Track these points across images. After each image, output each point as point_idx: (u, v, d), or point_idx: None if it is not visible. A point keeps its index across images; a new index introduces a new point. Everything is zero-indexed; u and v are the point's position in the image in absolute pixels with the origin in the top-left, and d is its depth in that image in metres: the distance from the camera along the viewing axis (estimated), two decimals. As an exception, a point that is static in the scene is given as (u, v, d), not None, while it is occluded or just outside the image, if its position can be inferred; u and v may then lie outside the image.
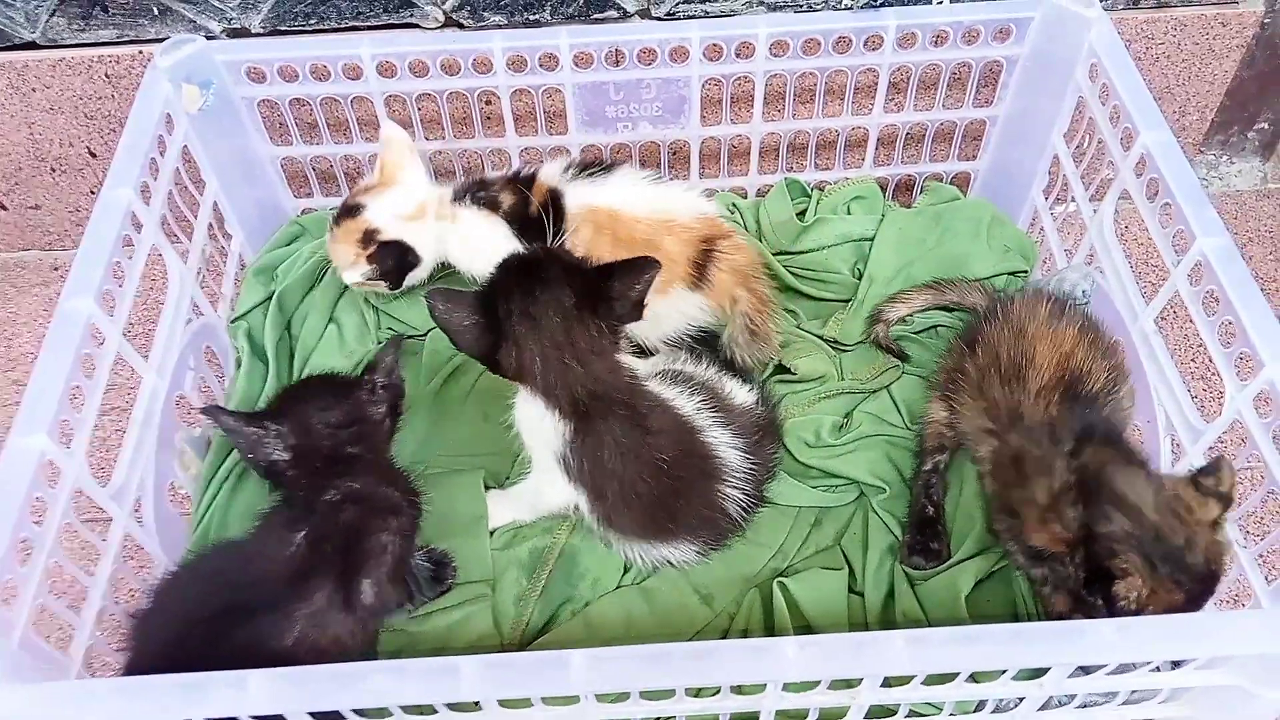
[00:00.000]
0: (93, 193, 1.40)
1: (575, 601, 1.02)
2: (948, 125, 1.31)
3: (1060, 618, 0.95)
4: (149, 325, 1.08)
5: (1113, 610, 0.81)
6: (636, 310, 0.91)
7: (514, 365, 0.88)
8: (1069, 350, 0.99)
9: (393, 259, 1.14)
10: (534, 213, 1.09)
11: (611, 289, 0.89)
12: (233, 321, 1.23)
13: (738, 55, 1.19)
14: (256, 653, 0.82)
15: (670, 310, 1.11)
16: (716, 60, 1.19)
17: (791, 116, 1.27)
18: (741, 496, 1.01)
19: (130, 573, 0.97)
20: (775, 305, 1.17)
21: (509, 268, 0.91)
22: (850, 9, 1.24)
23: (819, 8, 1.25)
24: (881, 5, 1.25)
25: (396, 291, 1.19)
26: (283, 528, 0.88)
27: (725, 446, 1.00)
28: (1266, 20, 1.31)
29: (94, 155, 1.35)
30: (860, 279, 1.26)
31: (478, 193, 1.14)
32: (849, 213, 1.32)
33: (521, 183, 1.12)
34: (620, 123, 1.25)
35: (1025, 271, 1.26)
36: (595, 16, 1.24)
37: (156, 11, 1.21)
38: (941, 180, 1.37)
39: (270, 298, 1.26)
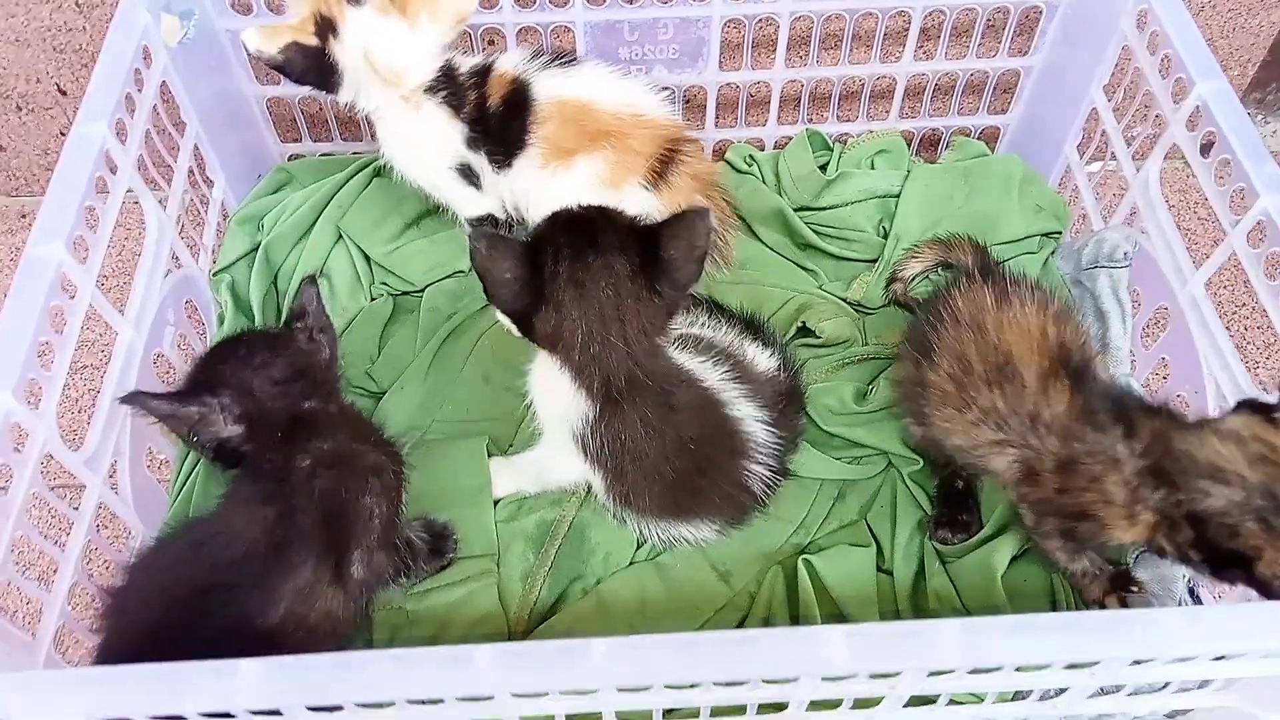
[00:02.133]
0: (63, 134, 1.30)
1: (586, 579, 0.96)
2: (978, 76, 1.23)
3: (1099, 605, 0.91)
4: (124, 277, 1.01)
5: (1268, 593, 0.74)
6: (697, 272, 0.82)
7: (551, 333, 0.80)
8: (1039, 328, 0.89)
9: (303, 70, 0.97)
10: (499, 104, 1.01)
11: (669, 251, 0.80)
12: (215, 274, 1.15)
13: (762, -7, 1.11)
14: (241, 633, 0.76)
15: (623, 207, 1.03)
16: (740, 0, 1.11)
17: (816, 63, 1.19)
18: (766, 472, 0.94)
19: (105, 545, 0.90)
20: (734, 221, 1.12)
21: (560, 223, 0.81)
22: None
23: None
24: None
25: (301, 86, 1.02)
26: (254, 503, 0.80)
27: (751, 420, 0.93)
28: (1315, -31, 1.24)
29: (64, 93, 1.25)
30: (885, 238, 1.19)
31: (447, 90, 1.01)
32: (873, 167, 1.25)
33: (482, 73, 1.02)
34: (633, 65, 1.17)
35: (1059, 232, 1.19)
36: (608, -52, 1.14)
37: (132, -67, 1.11)
38: (969, 135, 1.30)
39: (256, 249, 1.18)
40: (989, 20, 1.16)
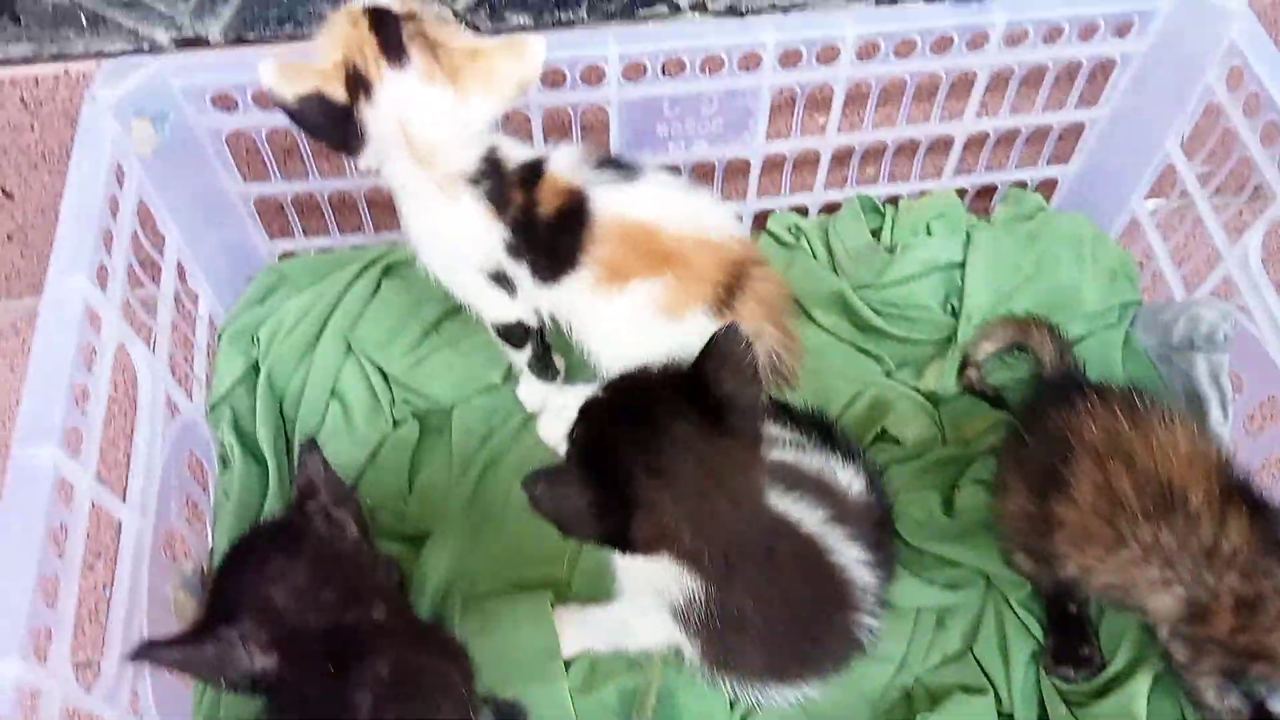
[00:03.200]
0: (10, 239, 1.13)
1: (681, 751, 0.86)
2: (1041, 128, 1.13)
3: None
4: (112, 441, 0.85)
5: None
6: (758, 390, 0.71)
7: (653, 536, 0.69)
8: (1190, 449, 0.81)
9: (320, 125, 0.79)
10: (551, 215, 0.86)
11: (724, 387, 0.69)
12: (212, 407, 1.01)
13: (818, 60, 0.98)
14: None
15: (679, 335, 0.88)
16: (793, 67, 0.99)
17: (871, 125, 1.08)
18: (873, 620, 0.85)
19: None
20: (801, 345, 0.99)
21: (601, 418, 0.70)
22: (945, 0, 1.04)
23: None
24: (980, -5, 1.05)
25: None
26: None
27: (855, 564, 0.83)
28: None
29: (9, 195, 1.08)
30: (954, 316, 1.09)
31: (491, 184, 0.85)
32: (929, 233, 1.15)
33: (531, 173, 0.87)
34: (672, 141, 1.04)
35: (1138, 302, 1.11)
36: (642, 13, 1.01)
37: (85, 22, 0.94)
38: (1025, 187, 1.20)
39: (253, 369, 1.04)
40: (1057, 73, 1.06)
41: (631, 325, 0.88)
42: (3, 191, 1.08)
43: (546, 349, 1.00)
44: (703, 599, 0.75)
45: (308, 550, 0.70)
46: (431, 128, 0.79)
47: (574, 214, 0.85)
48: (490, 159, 0.84)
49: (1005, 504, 0.91)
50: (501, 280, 0.90)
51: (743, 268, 0.88)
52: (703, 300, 0.87)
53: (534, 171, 0.86)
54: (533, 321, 0.96)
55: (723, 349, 0.70)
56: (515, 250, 0.88)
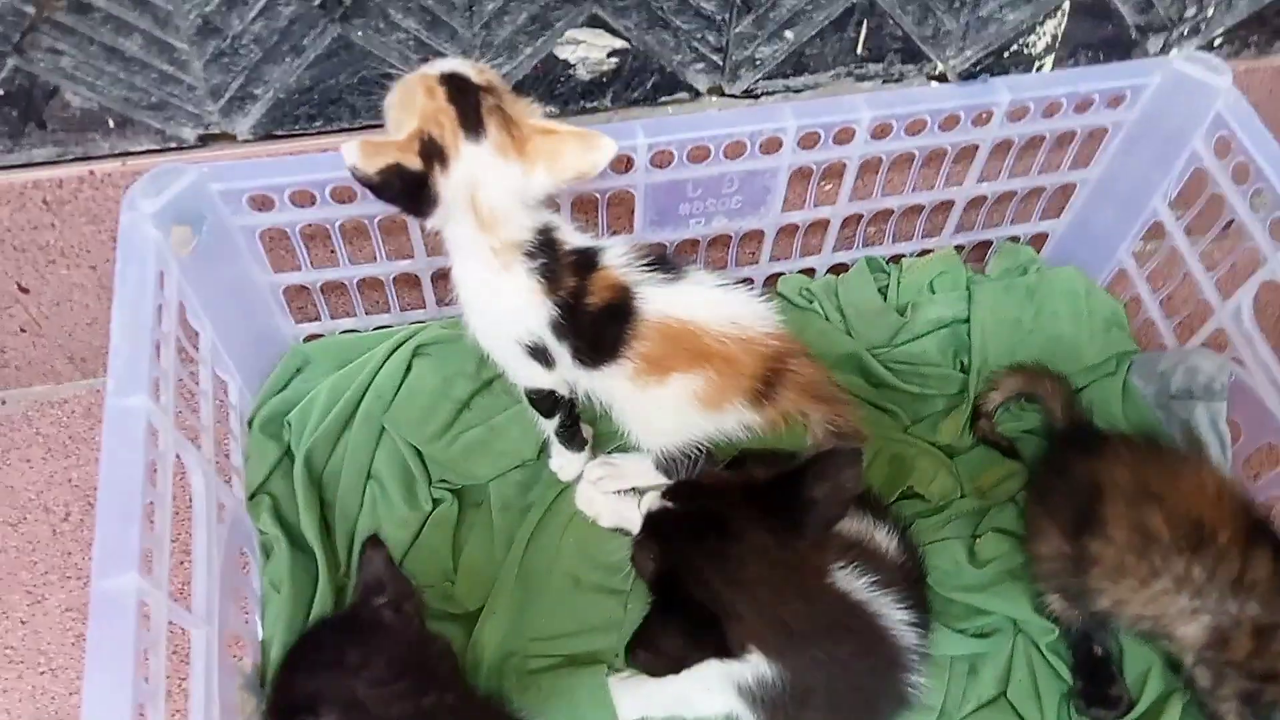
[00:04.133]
0: (23, 330, 1.12)
1: (741, 819, 0.89)
2: (1037, 188, 1.19)
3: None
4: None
5: None
6: (842, 515, 0.76)
7: (745, 643, 0.73)
8: (1216, 489, 0.88)
9: (399, 194, 0.80)
10: (599, 307, 0.88)
11: (812, 498, 0.75)
12: (250, 497, 1.01)
13: (834, 141, 1.03)
14: None
15: (718, 424, 0.94)
16: (811, 149, 1.03)
17: (880, 194, 1.12)
18: (920, 679, 0.89)
19: None
20: (854, 404, 1.02)
21: (673, 534, 0.75)
22: (947, 78, 1.09)
23: (910, 75, 1.10)
24: (981, 72, 1.10)
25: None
26: None
27: (901, 625, 0.87)
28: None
29: (25, 290, 1.07)
30: (963, 371, 1.14)
31: (545, 260, 0.87)
32: (933, 290, 1.20)
33: (586, 261, 0.89)
34: (693, 219, 1.07)
35: (1133, 351, 1.17)
36: (664, 100, 1.04)
37: (113, 124, 0.94)
38: (1018, 240, 1.26)
39: (285, 453, 1.04)
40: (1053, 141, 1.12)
41: (671, 414, 0.91)
42: (19, 286, 1.07)
43: (575, 420, 1.03)
44: (775, 679, 0.79)
45: (381, 642, 0.73)
46: (499, 197, 0.82)
47: (620, 309, 0.88)
48: (546, 236, 0.86)
49: (1038, 548, 0.96)
50: (539, 354, 0.92)
51: (781, 360, 0.92)
52: (742, 393, 0.90)
53: (589, 260, 0.88)
54: (564, 393, 0.98)
55: (835, 464, 0.74)
56: (559, 331, 0.90)
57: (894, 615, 0.87)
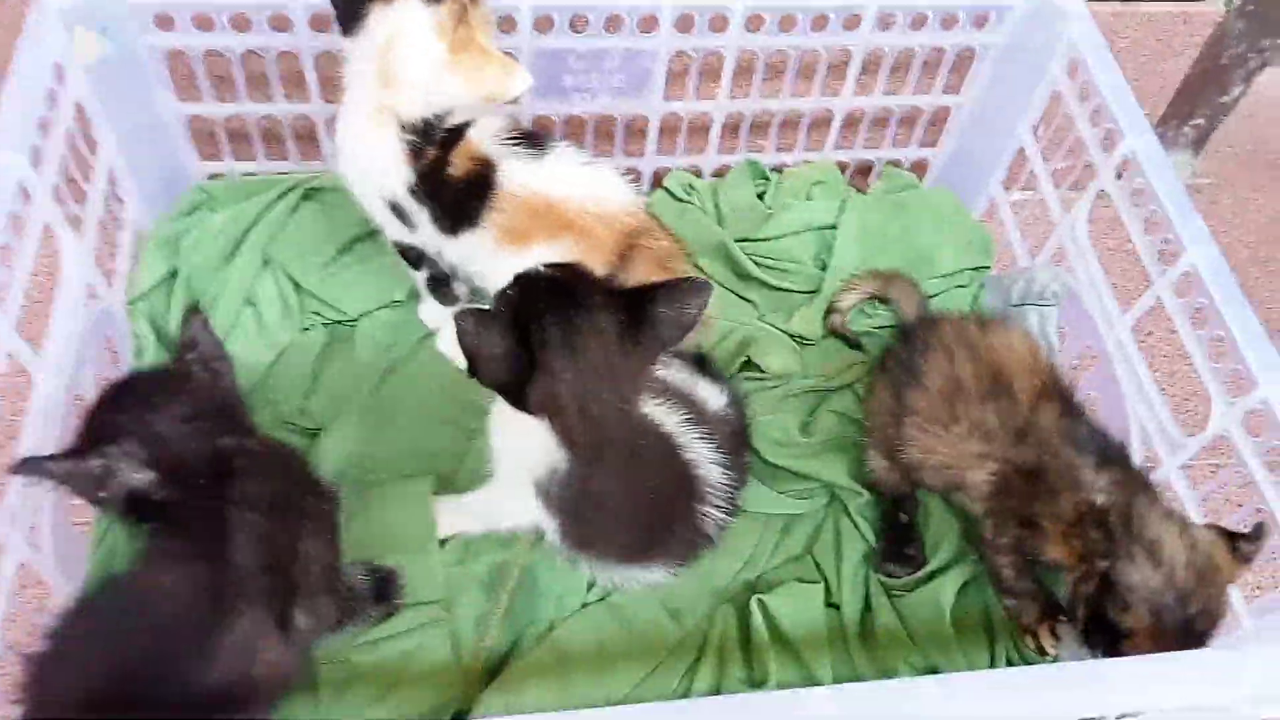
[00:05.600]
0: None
1: (539, 622, 0.95)
2: (913, 110, 1.26)
3: (1031, 634, 0.94)
4: (33, 310, 0.92)
5: (1104, 654, 0.80)
6: (680, 338, 0.81)
7: (546, 400, 0.78)
8: (1031, 354, 0.96)
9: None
10: (459, 179, 0.95)
11: (656, 313, 0.79)
12: (132, 302, 1.08)
13: (710, 29, 1.10)
14: (180, 696, 0.71)
15: None
16: (687, 33, 1.10)
17: (758, 95, 1.20)
18: (720, 515, 0.95)
19: (25, 607, 0.84)
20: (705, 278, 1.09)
21: (536, 287, 0.79)
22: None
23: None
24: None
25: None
26: (180, 557, 0.74)
27: (707, 463, 0.93)
28: (1219, 19, 1.31)
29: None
30: (824, 270, 1.21)
31: (418, 136, 0.93)
32: (809, 199, 1.27)
33: (450, 134, 0.95)
34: (578, 93, 1.15)
35: (987, 266, 1.23)
36: (556, -20, 1.12)
37: (39, -61, 1.03)
38: (900, 166, 1.33)
39: (173, 275, 1.12)
40: (925, 59, 1.19)
41: None
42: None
43: (446, 278, 1.09)
44: (565, 474, 0.84)
45: (185, 387, 0.78)
46: (408, 65, 0.89)
47: (479, 181, 0.94)
48: (426, 125, 0.92)
49: (870, 403, 1.04)
50: (399, 213, 0.99)
51: (637, 235, 0.98)
52: (599, 265, 0.97)
53: (455, 134, 0.94)
54: (430, 253, 1.05)
55: (683, 292, 0.79)
56: (417, 196, 0.97)
57: (699, 451, 0.93)
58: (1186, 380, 1.26)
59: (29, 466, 0.73)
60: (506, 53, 0.91)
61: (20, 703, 0.74)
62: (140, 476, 0.74)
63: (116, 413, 0.77)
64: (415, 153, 0.94)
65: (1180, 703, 0.67)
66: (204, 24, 1.03)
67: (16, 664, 0.75)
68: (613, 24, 1.08)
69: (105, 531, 0.95)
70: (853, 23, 1.12)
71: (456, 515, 0.98)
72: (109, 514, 0.79)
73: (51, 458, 0.74)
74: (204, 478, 0.75)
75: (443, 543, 0.97)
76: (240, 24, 1.03)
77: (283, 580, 0.76)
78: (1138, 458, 0.99)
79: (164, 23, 1.03)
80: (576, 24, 1.08)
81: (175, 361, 0.82)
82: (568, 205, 0.96)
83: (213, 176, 1.20)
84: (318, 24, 1.04)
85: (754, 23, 1.10)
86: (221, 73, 1.10)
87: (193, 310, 0.83)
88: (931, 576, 0.99)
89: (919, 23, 1.14)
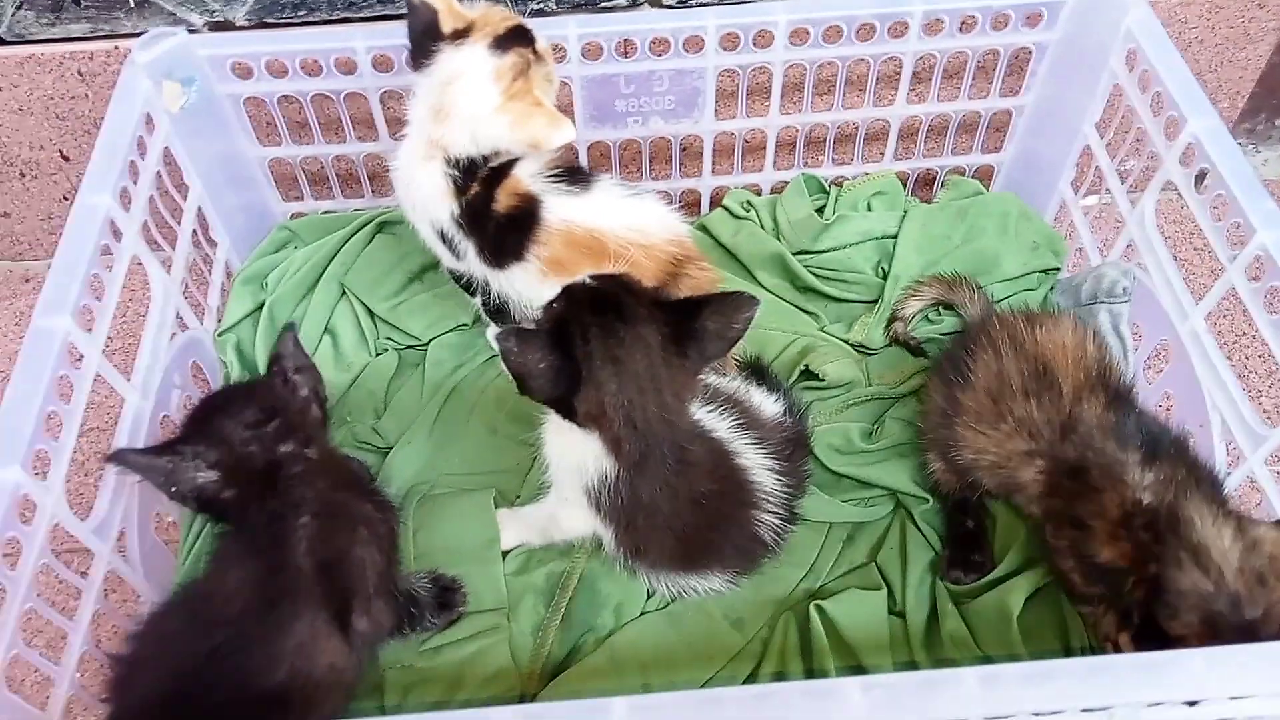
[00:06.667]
0: (66, 199, 1.32)
1: (598, 630, 0.95)
2: (971, 116, 1.24)
3: (1112, 643, 0.89)
4: (129, 340, 1.00)
5: None
6: (726, 350, 0.83)
7: (592, 411, 0.80)
8: (1078, 347, 0.93)
9: (418, 18, 0.95)
10: (502, 214, 0.99)
11: (704, 326, 0.81)
12: (220, 334, 1.15)
13: (755, 44, 1.12)
14: (247, 696, 0.75)
15: None
16: (733, 50, 1.12)
17: (810, 109, 1.21)
18: (776, 521, 0.94)
19: (114, 611, 0.89)
20: None
21: (581, 299, 0.81)
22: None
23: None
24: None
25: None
26: (242, 558, 0.79)
27: (760, 470, 0.93)
28: (1299, 1, 1.26)
29: (67, 159, 1.27)
30: (884, 279, 1.19)
31: (459, 174, 0.97)
32: (869, 209, 1.26)
33: (494, 172, 0.98)
34: (630, 117, 1.18)
35: (1056, 268, 1.20)
36: (602, 5, 1.16)
37: (133, 4, 1.13)
38: (964, 174, 1.31)
39: (260, 308, 1.19)
40: (979, 62, 1.18)
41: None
42: (61, 154, 1.26)
43: (501, 306, 1.12)
44: (614, 482, 0.85)
45: (261, 397, 0.84)
46: (462, 104, 0.94)
47: (524, 217, 0.98)
48: (473, 164, 0.97)
49: (926, 406, 1.02)
50: (447, 241, 1.03)
51: (680, 265, 1.00)
52: None
53: (500, 172, 0.98)
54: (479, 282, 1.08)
55: (732, 305, 0.81)
56: (462, 228, 1.01)
57: (754, 458, 0.93)
58: (1265, 366, 1.20)
59: (118, 457, 0.81)
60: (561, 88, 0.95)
61: (107, 701, 0.79)
62: (205, 475, 0.80)
63: (200, 418, 0.84)
64: (460, 188, 0.98)
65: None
66: (278, 70, 1.10)
67: (107, 664, 0.80)
68: (660, 46, 1.11)
69: (191, 547, 1.00)
70: (899, 29, 1.12)
71: (517, 527, 1.00)
72: (191, 509, 0.85)
73: (135, 451, 0.82)
74: (263, 482, 0.80)
75: (505, 553, 0.99)
76: (310, 68, 1.10)
77: (340, 584, 0.80)
78: (1220, 453, 0.95)
79: (243, 71, 1.11)
80: (624, 49, 1.11)
81: (266, 374, 0.88)
82: (611, 236, 0.99)
83: (295, 216, 1.27)
84: (381, 64, 1.10)
85: (798, 36, 1.12)
86: (298, 117, 1.17)
87: (286, 327, 0.90)
88: (999, 582, 0.95)
89: (968, 25, 1.13)
